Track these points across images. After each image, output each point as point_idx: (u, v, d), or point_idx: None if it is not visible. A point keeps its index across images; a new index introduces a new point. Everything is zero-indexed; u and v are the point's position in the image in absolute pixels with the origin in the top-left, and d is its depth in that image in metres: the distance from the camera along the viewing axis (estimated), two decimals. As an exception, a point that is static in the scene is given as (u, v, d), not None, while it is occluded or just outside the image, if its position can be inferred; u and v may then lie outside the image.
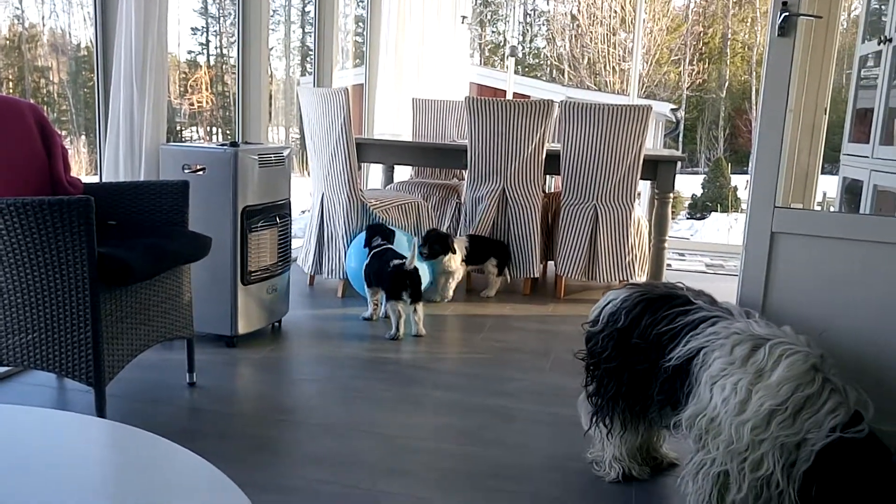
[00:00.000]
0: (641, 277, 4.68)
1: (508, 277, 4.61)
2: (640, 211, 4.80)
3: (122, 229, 2.85)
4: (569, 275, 4.65)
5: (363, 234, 4.12)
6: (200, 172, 3.35)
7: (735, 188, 15.12)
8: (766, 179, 2.60)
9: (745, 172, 14.74)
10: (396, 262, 3.81)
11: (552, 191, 5.37)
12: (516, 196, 4.63)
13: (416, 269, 3.80)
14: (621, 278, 4.61)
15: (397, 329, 3.75)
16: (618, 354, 2.26)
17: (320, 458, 2.47)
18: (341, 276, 4.42)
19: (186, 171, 3.36)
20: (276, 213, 3.61)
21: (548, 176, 5.56)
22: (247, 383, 3.12)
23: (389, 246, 4.01)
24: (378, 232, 4.05)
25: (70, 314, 2.43)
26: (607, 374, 2.30)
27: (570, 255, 4.63)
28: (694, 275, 5.63)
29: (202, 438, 2.58)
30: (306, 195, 4.90)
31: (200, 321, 3.42)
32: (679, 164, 4.62)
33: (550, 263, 5.26)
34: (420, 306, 3.82)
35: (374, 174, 6.10)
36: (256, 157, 3.42)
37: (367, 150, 5.02)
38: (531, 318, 4.22)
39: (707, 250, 6.59)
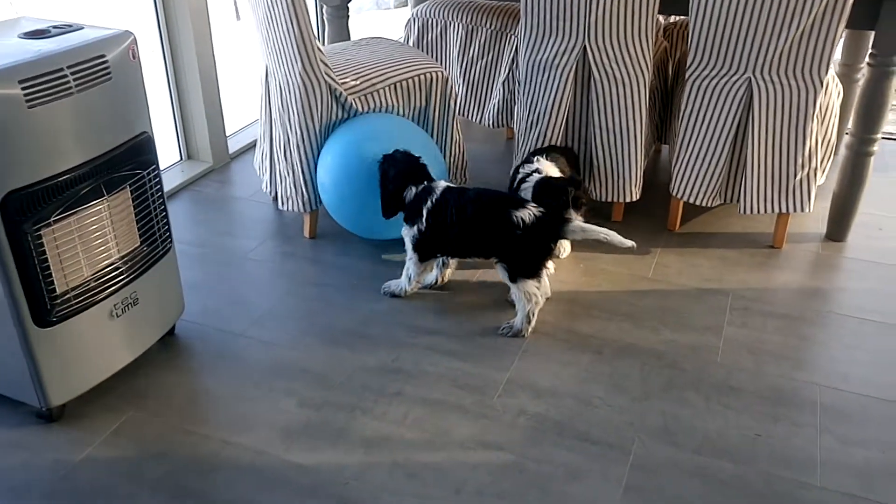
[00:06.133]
0: (812, 200, 2.71)
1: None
2: (834, 86, 2.69)
3: None
4: (693, 198, 2.72)
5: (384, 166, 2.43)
6: None
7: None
8: None
9: None
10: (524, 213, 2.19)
11: (671, 21, 3.25)
12: (607, 62, 2.61)
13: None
14: (783, 208, 2.65)
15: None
16: None
17: None
18: (305, 209, 2.70)
19: None
20: (105, 177, 1.88)
21: (662, 19, 3.38)
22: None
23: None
24: (410, 171, 2.39)
25: None
26: None
27: (697, 168, 2.67)
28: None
29: None
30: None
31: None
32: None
33: (662, 151, 3.31)
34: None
35: None
36: (20, 90, 1.64)
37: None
38: (616, 302, 2.42)
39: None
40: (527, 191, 2.40)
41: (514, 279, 2.21)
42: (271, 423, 1.97)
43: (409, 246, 2.37)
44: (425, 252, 2.36)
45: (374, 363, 2.17)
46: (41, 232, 1.77)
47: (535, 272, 2.21)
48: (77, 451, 1.88)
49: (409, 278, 2.40)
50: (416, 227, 2.31)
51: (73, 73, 1.74)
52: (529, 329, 2.26)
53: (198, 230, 2.83)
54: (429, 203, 2.28)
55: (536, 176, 2.41)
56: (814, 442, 1.91)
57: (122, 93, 1.88)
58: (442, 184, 2.34)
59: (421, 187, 2.33)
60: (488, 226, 2.20)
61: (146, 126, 1.99)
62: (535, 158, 2.49)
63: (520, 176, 2.48)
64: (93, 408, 2.01)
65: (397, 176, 2.34)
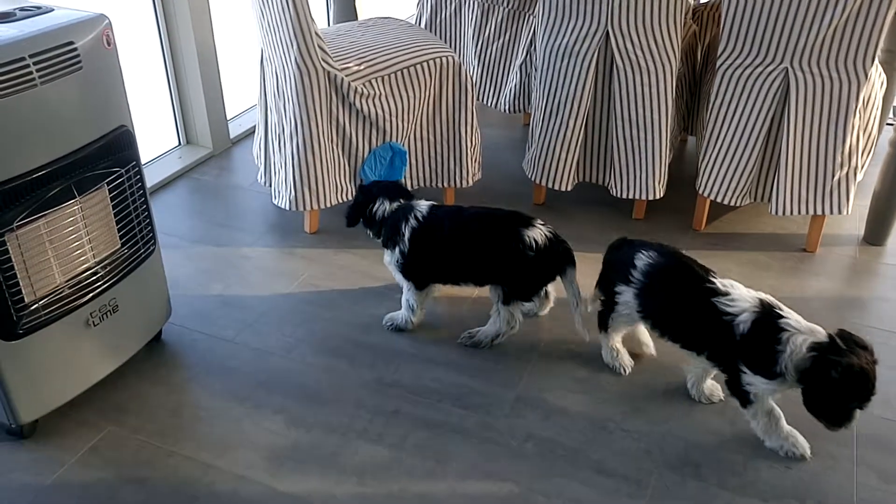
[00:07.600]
0: (850, 201, 2.50)
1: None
2: (877, 76, 2.47)
3: None
4: (721, 197, 2.53)
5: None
6: None
7: None
8: None
9: None
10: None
11: (701, 2, 3.02)
12: (631, 48, 2.41)
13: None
14: (819, 209, 2.45)
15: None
16: None
17: None
18: (296, 207, 2.52)
19: None
20: (77, 177, 1.72)
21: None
22: None
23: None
24: (384, 186, 2.22)
25: None
26: None
27: (727, 164, 2.47)
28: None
29: None
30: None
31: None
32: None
33: (689, 142, 3.11)
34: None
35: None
36: (-25, 82, 1.48)
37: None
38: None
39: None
40: (801, 355, 1.62)
41: (508, 301, 2.03)
42: (258, 444, 1.82)
43: (397, 273, 2.15)
44: (419, 277, 2.13)
45: (372, 376, 2.01)
46: (4, 238, 1.61)
47: (531, 296, 2.05)
48: (48, 473, 1.74)
49: (412, 308, 2.16)
50: (397, 250, 2.09)
51: (36, 63, 1.57)
52: (490, 346, 2.10)
53: (192, 222, 2.68)
54: (412, 222, 2.07)
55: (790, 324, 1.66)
56: (850, 477, 1.74)
57: (94, 83, 1.71)
58: (424, 203, 2.12)
59: (397, 205, 2.12)
60: (493, 247, 2.00)
61: (125, 119, 1.83)
62: (723, 283, 1.76)
63: (736, 319, 1.69)
64: (68, 423, 1.87)
65: (370, 186, 2.19)
